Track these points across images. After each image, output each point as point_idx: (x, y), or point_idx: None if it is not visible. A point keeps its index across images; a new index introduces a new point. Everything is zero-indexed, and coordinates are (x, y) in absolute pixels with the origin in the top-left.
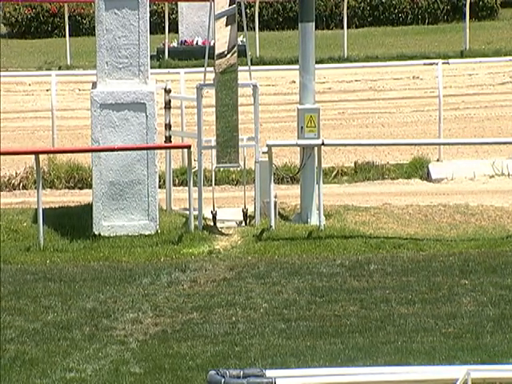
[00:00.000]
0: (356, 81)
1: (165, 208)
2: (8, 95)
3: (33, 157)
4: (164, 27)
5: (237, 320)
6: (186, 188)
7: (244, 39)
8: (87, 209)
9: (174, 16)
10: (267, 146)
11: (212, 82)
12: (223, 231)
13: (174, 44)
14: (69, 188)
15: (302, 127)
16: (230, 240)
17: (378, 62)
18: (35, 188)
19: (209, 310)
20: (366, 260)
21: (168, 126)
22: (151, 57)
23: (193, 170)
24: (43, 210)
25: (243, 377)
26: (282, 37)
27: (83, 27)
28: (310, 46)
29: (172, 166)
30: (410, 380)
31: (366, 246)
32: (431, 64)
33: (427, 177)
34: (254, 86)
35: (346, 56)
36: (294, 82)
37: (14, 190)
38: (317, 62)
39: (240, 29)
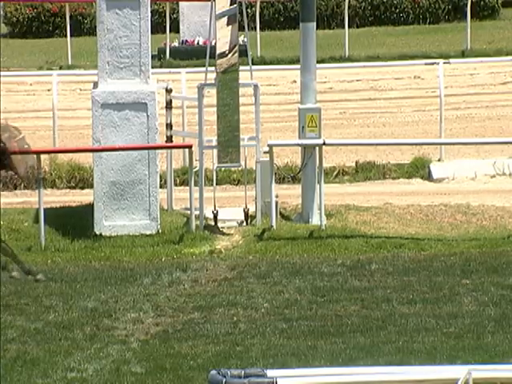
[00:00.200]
0: (357, 80)
1: (166, 208)
2: (9, 95)
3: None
4: (165, 27)
5: (238, 320)
6: (187, 188)
7: (245, 39)
8: (88, 209)
9: (175, 16)
10: (268, 145)
11: (213, 81)
12: (224, 231)
13: (175, 44)
14: (70, 188)
15: (303, 127)
16: (231, 240)
17: (379, 62)
18: (36, 188)
19: (210, 310)
20: (367, 260)
21: (169, 126)
22: (152, 56)
23: (194, 170)
24: (44, 209)
25: (244, 377)
26: (283, 36)
27: (84, 27)
28: (311, 46)
29: (173, 166)
30: (410, 380)
31: (367, 245)
32: (432, 64)
33: (428, 176)
34: (255, 86)
35: (347, 56)
36: (295, 81)
37: (15, 189)
38: (318, 62)
39: (241, 28)
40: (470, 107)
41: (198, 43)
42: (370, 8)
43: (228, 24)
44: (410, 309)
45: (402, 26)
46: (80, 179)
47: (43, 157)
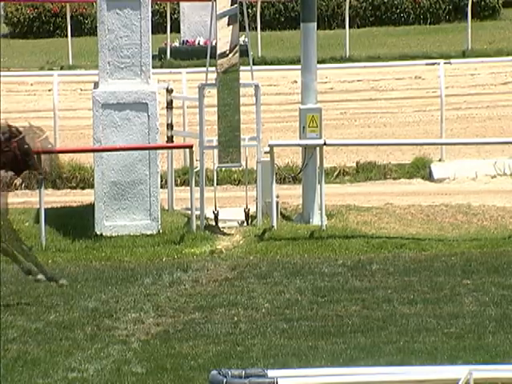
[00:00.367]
0: (358, 81)
1: (167, 208)
2: (10, 95)
3: None
4: (166, 27)
5: (239, 320)
6: (188, 188)
7: (246, 39)
8: (89, 209)
9: (175, 16)
10: (269, 145)
11: (214, 81)
12: (225, 231)
13: (176, 44)
14: (71, 188)
15: (303, 127)
16: (232, 240)
17: (379, 62)
18: (37, 188)
19: (211, 310)
20: (368, 260)
21: (170, 126)
22: (153, 57)
23: (195, 170)
24: (45, 209)
25: (245, 377)
26: (283, 37)
27: (85, 27)
28: (312, 46)
29: (174, 166)
30: (411, 380)
31: (368, 245)
32: (433, 64)
33: (429, 177)
34: (256, 86)
35: (347, 56)
36: (296, 81)
37: (16, 189)
38: (319, 62)
39: (242, 29)
40: (470, 107)
41: (198, 43)
42: (370, 8)
43: (229, 24)
44: (411, 309)
45: (403, 27)
46: (81, 179)
47: (43, 157)
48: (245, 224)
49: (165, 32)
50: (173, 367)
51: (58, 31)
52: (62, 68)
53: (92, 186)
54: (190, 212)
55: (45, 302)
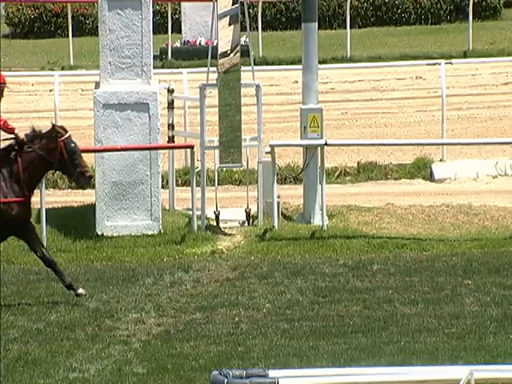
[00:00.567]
0: (359, 81)
1: (168, 208)
2: (11, 95)
3: None
4: (167, 27)
5: (240, 320)
6: (189, 188)
7: (247, 39)
8: (90, 209)
9: (176, 16)
10: (270, 146)
11: (215, 81)
12: (226, 231)
13: (177, 44)
14: (72, 188)
15: (304, 127)
16: (233, 240)
17: (380, 62)
18: (38, 188)
19: (212, 310)
20: (369, 260)
21: (171, 126)
22: (154, 57)
23: (196, 170)
24: (46, 209)
25: (246, 377)
26: (284, 37)
27: (86, 27)
28: (313, 46)
29: (175, 166)
30: (412, 380)
31: (369, 246)
32: (434, 64)
33: (430, 177)
34: (257, 86)
35: (348, 56)
36: (297, 82)
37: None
38: (320, 62)
39: (243, 29)
40: (471, 107)
41: (199, 43)
42: (371, 8)
43: (230, 24)
44: (412, 309)
45: (404, 27)
46: None
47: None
48: (246, 224)
49: (166, 32)
50: (174, 367)
51: (59, 31)
52: (63, 68)
53: (93, 186)
54: (191, 212)
55: (46, 302)
